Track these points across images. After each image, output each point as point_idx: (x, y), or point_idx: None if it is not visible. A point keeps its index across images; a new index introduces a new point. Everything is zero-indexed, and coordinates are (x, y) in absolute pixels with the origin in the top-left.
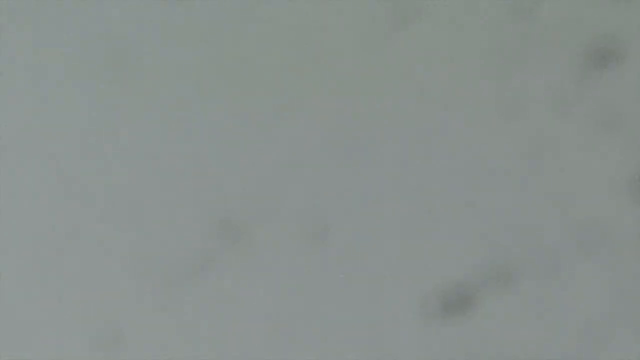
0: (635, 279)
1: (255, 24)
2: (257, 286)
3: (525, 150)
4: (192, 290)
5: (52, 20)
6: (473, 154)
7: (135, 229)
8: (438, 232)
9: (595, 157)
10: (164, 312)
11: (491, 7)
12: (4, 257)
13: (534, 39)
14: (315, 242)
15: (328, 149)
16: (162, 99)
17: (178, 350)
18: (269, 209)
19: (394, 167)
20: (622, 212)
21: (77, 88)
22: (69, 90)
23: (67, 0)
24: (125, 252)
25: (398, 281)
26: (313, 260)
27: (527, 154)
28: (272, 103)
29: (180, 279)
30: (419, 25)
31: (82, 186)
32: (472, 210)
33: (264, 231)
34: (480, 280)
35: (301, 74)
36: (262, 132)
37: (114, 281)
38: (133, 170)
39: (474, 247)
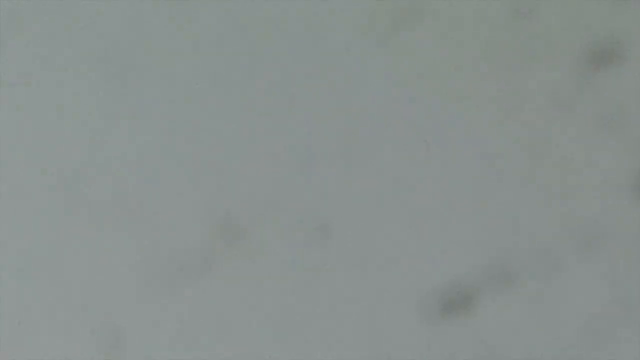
0: (635, 279)
1: (254, 24)
2: (257, 286)
3: (525, 150)
4: (192, 290)
5: (52, 20)
6: (473, 154)
7: (135, 229)
8: (438, 232)
9: (595, 156)
10: (164, 312)
11: (491, 7)
12: (4, 257)
13: (534, 39)
14: (315, 241)
15: (328, 149)
16: (162, 99)
17: (178, 350)
18: (269, 209)
19: (394, 166)
20: (622, 212)
21: (78, 88)
22: (69, 90)
23: (68, 0)
24: (125, 252)
25: (398, 281)
26: (313, 260)
27: (527, 153)
28: (271, 103)
29: (180, 278)
30: (419, 25)
31: (81, 186)
32: (471, 210)
33: (265, 231)
34: (480, 280)
35: (301, 75)
36: (262, 132)
37: (113, 281)
38: (133, 170)
39: (474, 247)
